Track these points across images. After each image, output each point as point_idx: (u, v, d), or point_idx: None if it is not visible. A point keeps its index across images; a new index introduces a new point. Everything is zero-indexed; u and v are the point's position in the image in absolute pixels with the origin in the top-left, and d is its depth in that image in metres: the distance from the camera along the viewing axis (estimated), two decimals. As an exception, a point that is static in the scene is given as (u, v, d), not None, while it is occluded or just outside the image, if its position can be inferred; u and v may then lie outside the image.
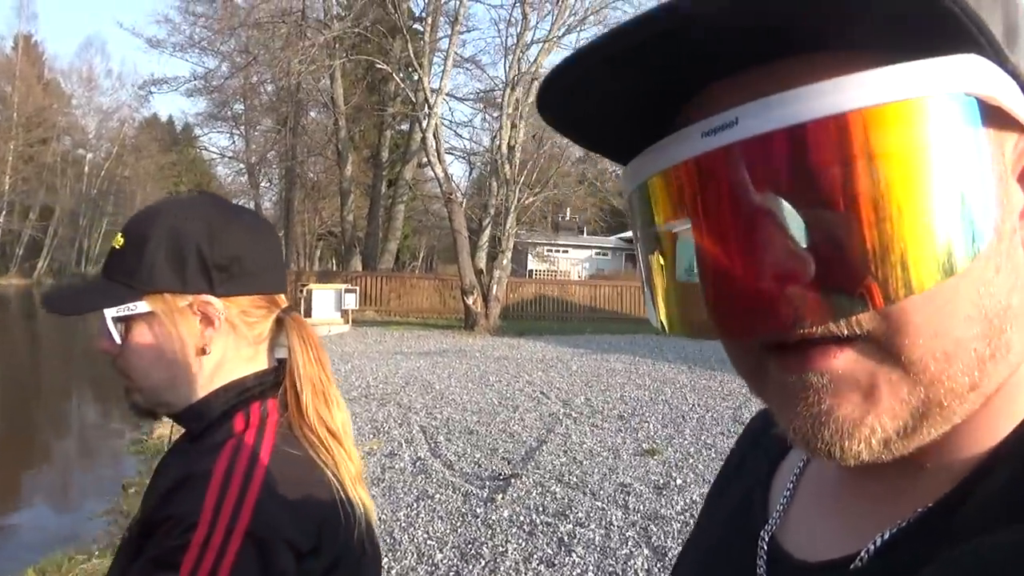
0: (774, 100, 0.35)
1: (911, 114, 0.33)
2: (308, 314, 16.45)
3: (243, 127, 37.90)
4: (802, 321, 0.35)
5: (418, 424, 7.27)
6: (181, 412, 1.04)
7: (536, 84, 18.49)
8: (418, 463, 5.91)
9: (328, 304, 16.83)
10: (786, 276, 0.35)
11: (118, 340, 1.00)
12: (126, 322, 1.00)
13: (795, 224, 0.35)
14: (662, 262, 0.42)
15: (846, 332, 0.36)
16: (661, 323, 0.43)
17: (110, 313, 0.99)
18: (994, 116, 0.35)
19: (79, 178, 52.12)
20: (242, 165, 39.58)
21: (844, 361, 0.36)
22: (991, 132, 0.35)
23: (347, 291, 17.02)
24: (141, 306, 0.99)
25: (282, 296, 1.10)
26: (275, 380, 1.05)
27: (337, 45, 20.76)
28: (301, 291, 17.32)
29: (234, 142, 41.12)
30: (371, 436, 6.74)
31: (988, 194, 0.34)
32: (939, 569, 0.34)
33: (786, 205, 0.35)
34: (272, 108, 32.65)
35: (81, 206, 52.53)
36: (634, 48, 0.35)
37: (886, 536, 0.39)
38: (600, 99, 0.40)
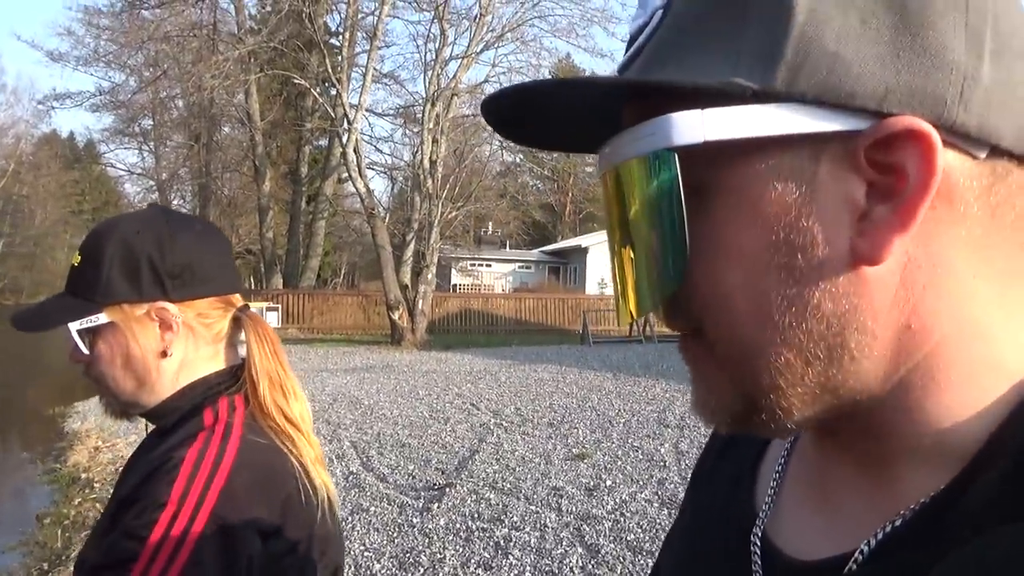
0: (606, 146, 0.43)
1: (631, 169, 0.41)
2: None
3: (152, 143, 36.57)
4: (633, 315, 0.44)
5: (348, 440, 7.22)
6: (152, 410, 1.10)
7: (456, 100, 18.77)
8: (351, 477, 5.89)
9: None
10: (622, 279, 0.44)
11: (85, 351, 1.07)
12: (91, 334, 1.07)
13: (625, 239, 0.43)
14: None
15: (677, 331, 0.44)
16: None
17: (74, 327, 1.05)
18: (738, 150, 0.38)
19: (-29, 198, 49.02)
20: (152, 182, 38.09)
21: (689, 351, 0.44)
22: (728, 170, 0.39)
23: (268, 309, 16.64)
24: (101, 318, 1.06)
25: (237, 296, 1.18)
26: (238, 376, 1.12)
27: (251, 59, 20.37)
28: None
29: (143, 159, 39.66)
30: (301, 453, 6.66)
31: (683, 230, 0.39)
32: (948, 569, 0.34)
33: (628, 227, 0.43)
34: (183, 123, 31.68)
35: (-27, 227, 49.39)
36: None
37: (879, 536, 0.40)
38: (550, 113, 0.44)
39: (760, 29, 0.37)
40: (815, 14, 0.37)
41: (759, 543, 0.48)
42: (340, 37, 19.53)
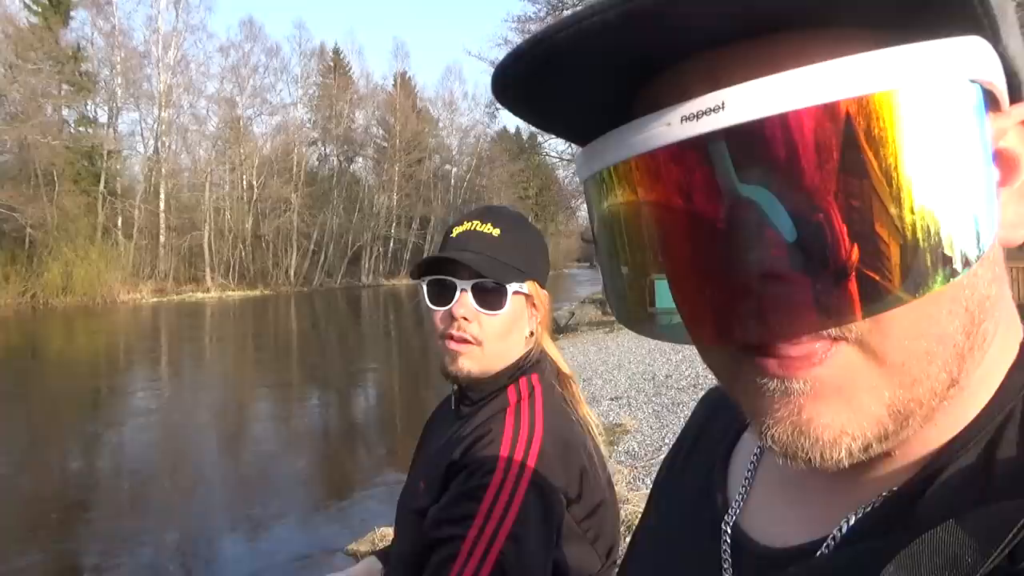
0: (767, 82, 0.31)
1: (920, 103, 0.31)
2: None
3: (578, 130, 40.12)
4: (793, 327, 0.33)
5: (744, 415, 7.24)
6: (475, 383, 1.26)
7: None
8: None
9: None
10: (773, 278, 0.33)
11: (505, 308, 1.24)
12: (504, 297, 1.24)
13: (786, 221, 0.32)
14: (628, 255, 0.39)
15: (835, 334, 0.34)
16: (627, 319, 0.42)
17: (512, 287, 1.25)
18: (990, 102, 0.34)
19: (447, 190, 60.06)
20: (579, 166, 41.94)
21: (827, 367, 0.35)
22: (989, 116, 0.34)
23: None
24: (524, 287, 1.28)
25: None
26: (536, 359, 1.31)
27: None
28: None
29: (570, 146, 43.79)
30: (696, 425, 6.91)
31: (992, 188, 0.32)
32: (916, 552, 0.34)
33: (777, 201, 0.32)
34: (604, 109, 34.06)
35: (450, 214, 60.33)
36: (608, 23, 0.32)
37: (851, 522, 0.39)
38: (561, 76, 0.36)
39: None
40: None
41: (729, 533, 0.48)
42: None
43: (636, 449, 6.37)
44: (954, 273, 0.31)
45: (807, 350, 0.35)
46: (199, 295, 41.60)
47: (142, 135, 46.94)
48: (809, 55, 0.32)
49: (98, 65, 43.52)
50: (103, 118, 44.14)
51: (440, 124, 62.62)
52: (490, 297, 1.23)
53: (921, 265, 0.31)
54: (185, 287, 42.81)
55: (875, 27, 0.32)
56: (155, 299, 38.57)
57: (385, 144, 57.45)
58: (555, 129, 0.43)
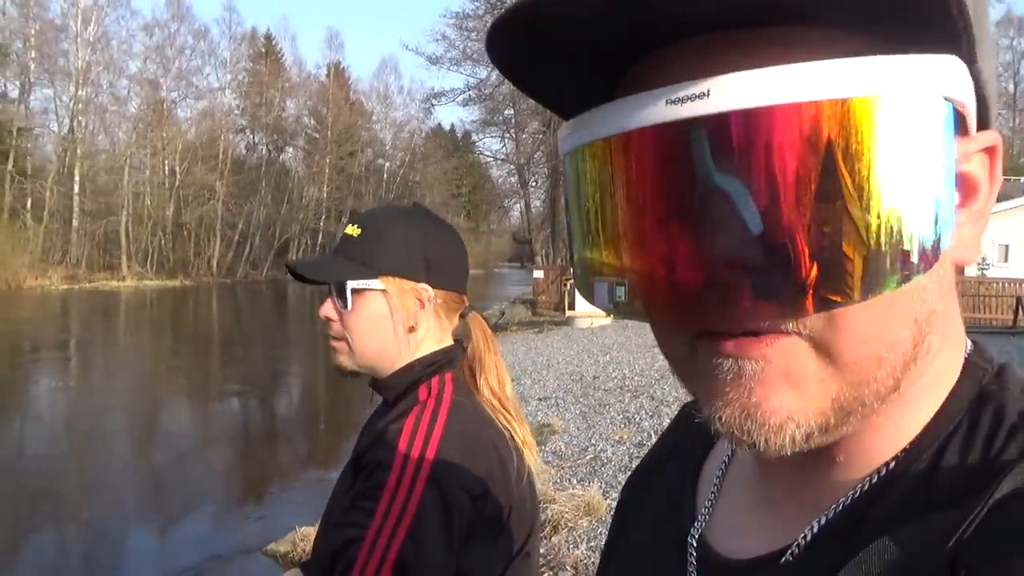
0: (753, 75, 0.32)
1: (894, 113, 0.31)
2: (572, 307, 17.22)
3: (513, 131, 40.42)
4: (748, 315, 0.34)
5: (669, 417, 7.39)
6: (382, 382, 1.30)
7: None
8: (665, 454, 6.07)
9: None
10: (736, 266, 0.33)
11: (349, 307, 1.26)
12: (357, 295, 1.25)
13: (754, 212, 0.32)
14: (599, 229, 0.38)
15: (791, 329, 0.35)
16: (588, 291, 0.41)
17: (352, 284, 1.25)
18: (958, 123, 0.35)
19: (379, 184, 59.33)
20: (512, 166, 42.25)
21: (780, 351, 0.36)
22: (956, 137, 0.35)
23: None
24: (376, 283, 1.26)
25: (466, 297, 1.38)
26: (451, 357, 1.30)
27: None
28: (566, 285, 18.15)
29: (505, 145, 44.05)
30: (622, 426, 7.04)
31: (951, 203, 0.33)
32: (861, 563, 0.36)
33: (747, 191, 0.32)
34: (538, 111, 34.38)
35: (381, 209, 59.59)
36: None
37: (815, 529, 0.41)
38: (551, 46, 0.37)
39: (939, 4, 0.32)
40: (976, 9, 0.34)
41: (695, 545, 0.49)
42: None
43: (563, 449, 6.43)
44: (905, 279, 0.32)
45: (762, 333, 0.36)
46: (113, 283, 39.88)
47: (56, 113, 44.81)
48: (792, 52, 0.33)
49: (10, 36, 41.25)
50: (13, 93, 41.91)
51: (374, 117, 61.79)
52: (345, 296, 1.26)
53: (876, 270, 0.32)
54: (98, 275, 40.98)
55: (856, 32, 0.33)
56: (65, 286, 36.77)
57: (316, 135, 56.32)
58: (542, 97, 0.43)
